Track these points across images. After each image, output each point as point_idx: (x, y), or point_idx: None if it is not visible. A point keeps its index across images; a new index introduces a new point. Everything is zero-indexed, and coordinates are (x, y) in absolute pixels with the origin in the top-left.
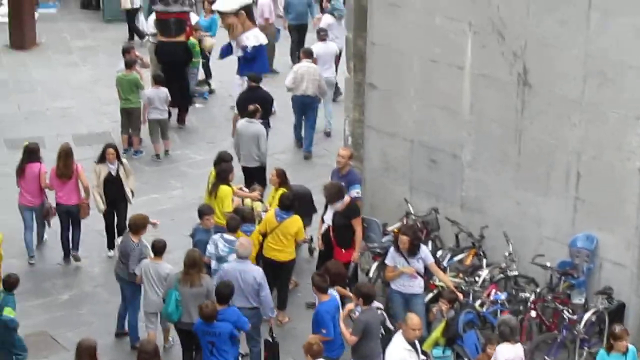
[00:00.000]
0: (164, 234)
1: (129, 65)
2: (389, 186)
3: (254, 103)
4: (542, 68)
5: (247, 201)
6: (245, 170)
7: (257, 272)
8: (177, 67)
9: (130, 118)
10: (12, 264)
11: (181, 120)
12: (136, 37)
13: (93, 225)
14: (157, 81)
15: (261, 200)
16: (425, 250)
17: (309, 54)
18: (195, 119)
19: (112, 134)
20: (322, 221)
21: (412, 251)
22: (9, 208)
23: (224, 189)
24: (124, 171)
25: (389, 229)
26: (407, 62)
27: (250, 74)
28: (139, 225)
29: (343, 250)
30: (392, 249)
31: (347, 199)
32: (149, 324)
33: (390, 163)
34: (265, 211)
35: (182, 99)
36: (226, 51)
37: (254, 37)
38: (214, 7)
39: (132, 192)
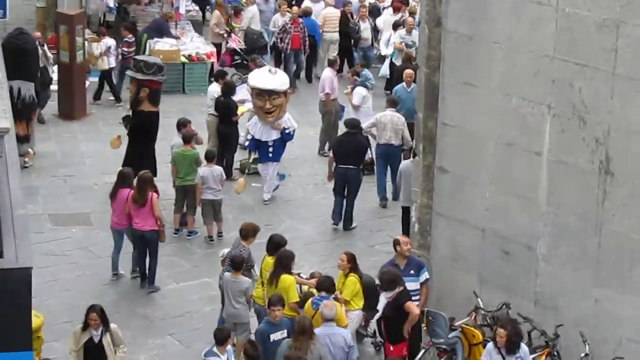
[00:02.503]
0: (215, 321)
1: (187, 140)
2: (457, 277)
3: (350, 148)
4: (626, 156)
5: (305, 288)
6: (405, 209)
7: (346, 334)
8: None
9: (187, 196)
10: (54, 348)
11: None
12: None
13: None
14: (209, 158)
15: None
16: (525, 349)
17: (394, 103)
18: (252, 199)
19: (164, 212)
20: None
21: (511, 348)
22: (53, 290)
23: (286, 278)
24: (111, 340)
25: (457, 323)
26: (481, 146)
27: (347, 120)
28: (249, 231)
29: (392, 346)
30: (490, 345)
31: (399, 289)
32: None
33: (459, 252)
34: (336, 298)
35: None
36: (254, 145)
37: (292, 119)
38: (253, 84)
39: None
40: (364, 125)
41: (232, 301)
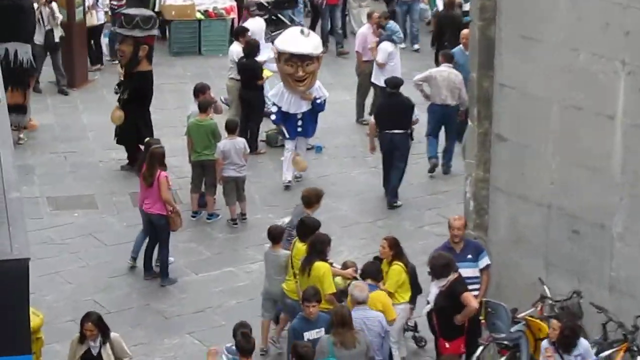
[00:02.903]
0: (240, 317)
1: (204, 108)
2: (519, 262)
3: (395, 110)
4: None
5: (338, 279)
6: None
7: (381, 317)
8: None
9: (204, 173)
10: (55, 350)
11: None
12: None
13: None
14: (231, 129)
15: (356, 278)
16: (586, 345)
17: (450, 58)
18: (281, 176)
19: (179, 192)
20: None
21: (565, 345)
22: (53, 284)
23: (320, 265)
24: (111, 352)
25: (520, 315)
26: (544, 109)
27: (388, 79)
28: (311, 197)
29: (447, 343)
30: (545, 341)
31: (453, 276)
32: (264, 311)
33: (521, 233)
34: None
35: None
36: (281, 118)
37: (323, 87)
38: (282, 47)
39: None
40: (415, 78)
41: (270, 275)
